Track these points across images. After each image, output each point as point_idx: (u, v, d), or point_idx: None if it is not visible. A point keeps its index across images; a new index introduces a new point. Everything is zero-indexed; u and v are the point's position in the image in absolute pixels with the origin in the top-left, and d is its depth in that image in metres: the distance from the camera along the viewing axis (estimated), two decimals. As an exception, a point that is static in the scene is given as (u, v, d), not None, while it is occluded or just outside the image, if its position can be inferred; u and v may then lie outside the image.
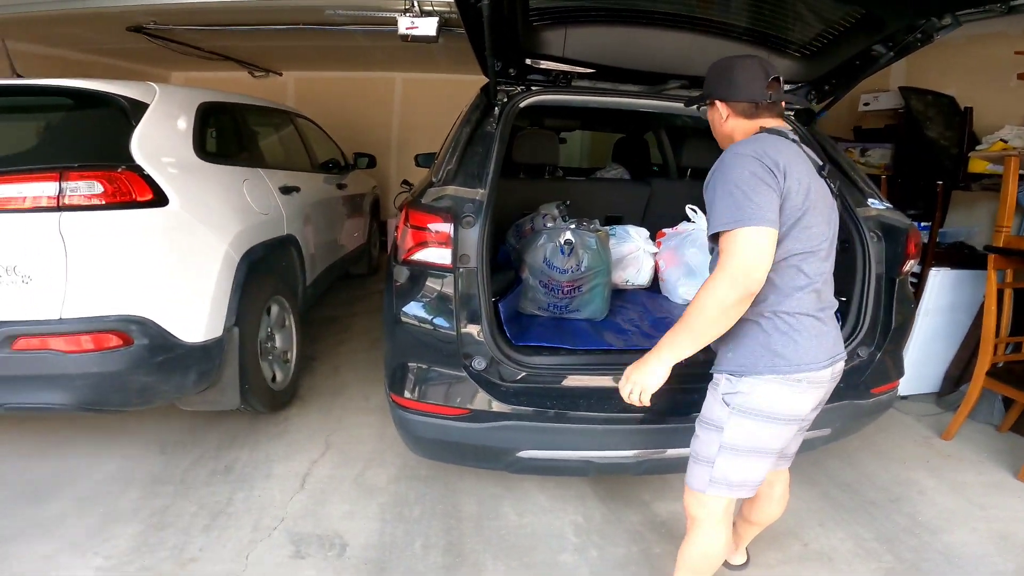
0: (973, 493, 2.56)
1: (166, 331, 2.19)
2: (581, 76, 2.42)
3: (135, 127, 2.30)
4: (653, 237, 3.06)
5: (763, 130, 1.49)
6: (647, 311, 2.70)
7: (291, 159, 3.95)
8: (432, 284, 1.94)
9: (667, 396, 1.58)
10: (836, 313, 2.16)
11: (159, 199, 2.19)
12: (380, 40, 5.15)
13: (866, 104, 4.67)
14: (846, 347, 2.12)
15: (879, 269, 2.18)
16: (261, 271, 2.76)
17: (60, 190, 2.00)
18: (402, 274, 2.01)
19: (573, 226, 2.53)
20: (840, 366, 1.54)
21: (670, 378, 1.47)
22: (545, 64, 2.33)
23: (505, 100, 2.31)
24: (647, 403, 1.50)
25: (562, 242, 2.47)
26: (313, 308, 4.07)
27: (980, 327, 2.95)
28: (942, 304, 3.34)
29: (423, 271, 1.95)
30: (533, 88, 2.38)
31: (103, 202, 2.06)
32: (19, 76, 2.72)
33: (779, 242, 1.37)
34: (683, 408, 1.80)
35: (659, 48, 2.30)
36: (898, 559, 2.15)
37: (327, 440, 2.81)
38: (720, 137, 1.63)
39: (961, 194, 3.87)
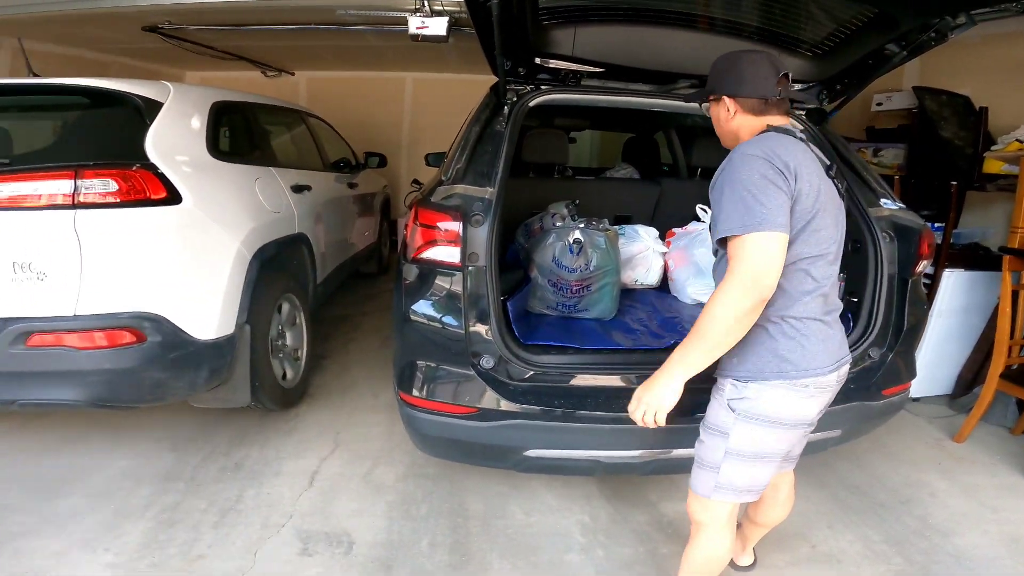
0: (985, 496, 2.53)
1: (179, 328, 2.21)
2: (590, 75, 2.42)
3: (149, 126, 2.33)
4: (663, 237, 3.05)
5: (770, 128, 1.45)
6: (656, 311, 2.70)
7: (303, 158, 3.98)
8: (441, 282, 1.95)
9: None
10: (848, 314, 2.18)
11: (173, 197, 2.21)
12: (391, 40, 5.17)
13: (879, 104, 4.64)
14: (857, 348, 2.11)
15: (891, 270, 2.16)
16: (273, 269, 2.78)
17: (75, 188, 2.02)
18: (411, 272, 2.02)
19: (582, 225, 2.53)
20: (846, 369, 1.51)
21: None
22: (554, 63, 2.32)
23: (514, 99, 2.30)
24: (663, 423, 1.46)
25: (571, 241, 2.47)
26: (323, 306, 4.09)
27: (994, 329, 2.92)
28: (956, 306, 3.31)
29: (432, 269, 1.96)
30: (542, 87, 2.38)
31: (118, 200, 2.08)
32: (36, 75, 2.75)
33: (788, 246, 1.34)
34: (691, 408, 1.79)
35: (669, 47, 2.29)
36: (908, 561, 2.13)
37: (336, 438, 2.83)
38: (724, 134, 1.59)
39: (976, 195, 3.83)
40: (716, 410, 1.51)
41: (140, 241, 2.14)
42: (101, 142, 2.31)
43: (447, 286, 1.94)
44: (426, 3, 3.72)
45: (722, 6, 2.18)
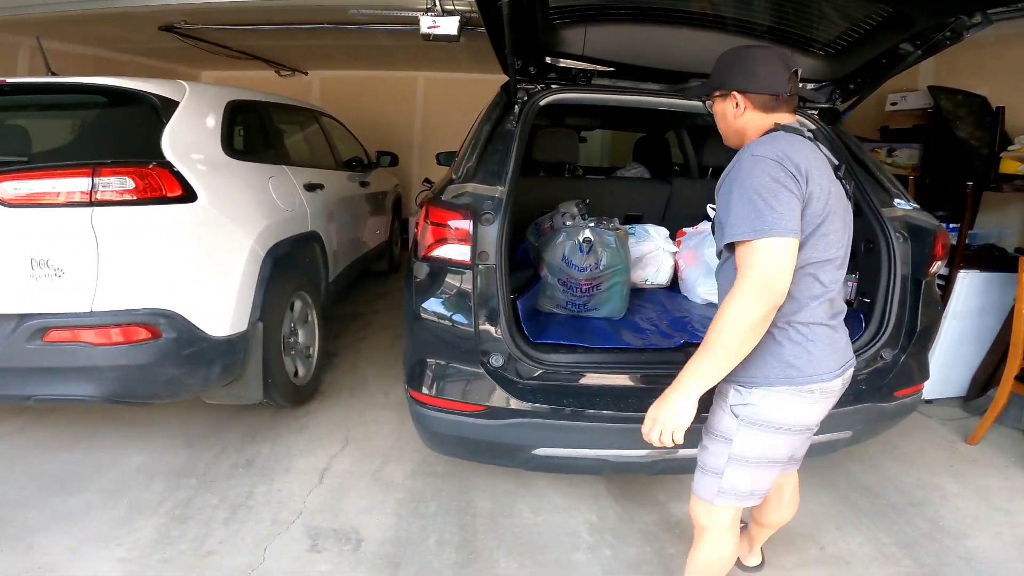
0: (998, 498, 2.51)
1: (193, 325, 2.24)
2: (601, 74, 2.42)
3: (166, 124, 2.36)
4: (673, 236, 3.05)
5: (778, 127, 1.41)
6: (666, 310, 2.69)
7: (316, 157, 4.01)
8: (451, 280, 1.96)
9: None
10: (861, 315, 2.16)
11: (188, 195, 2.24)
12: (403, 39, 5.21)
13: (894, 104, 4.58)
14: (870, 349, 2.10)
15: (905, 270, 2.14)
16: (285, 267, 2.80)
17: (93, 186, 2.05)
18: (422, 270, 2.03)
19: (592, 224, 2.53)
20: (851, 373, 1.49)
21: None
22: (565, 62, 2.32)
23: (525, 98, 2.30)
24: (680, 442, 1.39)
25: (581, 240, 2.47)
26: (335, 304, 4.12)
27: (1009, 331, 2.89)
28: (970, 307, 3.27)
29: (442, 267, 1.97)
30: (553, 86, 2.38)
31: (134, 198, 2.11)
32: (54, 74, 2.79)
33: (798, 250, 1.30)
34: (700, 408, 1.78)
35: (680, 46, 2.28)
36: (918, 564, 2.11)
37: (347, 435, 2.85)
38: (729, 132, 1.54)
39: (992, 195, 3.78)
40: (719, 415, 1.49)
41: (156, 238, 2.16)
42: (118, 140, 2.34)
43: (457, 284, 1.95)
44: (437, 3, 3.74)
45: (734, 5, 2.17)
